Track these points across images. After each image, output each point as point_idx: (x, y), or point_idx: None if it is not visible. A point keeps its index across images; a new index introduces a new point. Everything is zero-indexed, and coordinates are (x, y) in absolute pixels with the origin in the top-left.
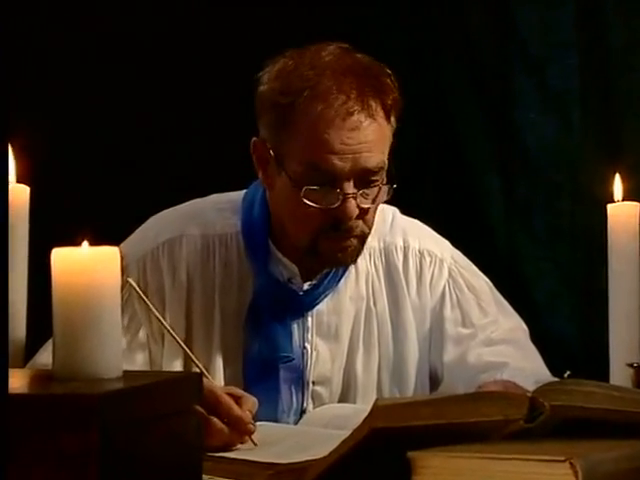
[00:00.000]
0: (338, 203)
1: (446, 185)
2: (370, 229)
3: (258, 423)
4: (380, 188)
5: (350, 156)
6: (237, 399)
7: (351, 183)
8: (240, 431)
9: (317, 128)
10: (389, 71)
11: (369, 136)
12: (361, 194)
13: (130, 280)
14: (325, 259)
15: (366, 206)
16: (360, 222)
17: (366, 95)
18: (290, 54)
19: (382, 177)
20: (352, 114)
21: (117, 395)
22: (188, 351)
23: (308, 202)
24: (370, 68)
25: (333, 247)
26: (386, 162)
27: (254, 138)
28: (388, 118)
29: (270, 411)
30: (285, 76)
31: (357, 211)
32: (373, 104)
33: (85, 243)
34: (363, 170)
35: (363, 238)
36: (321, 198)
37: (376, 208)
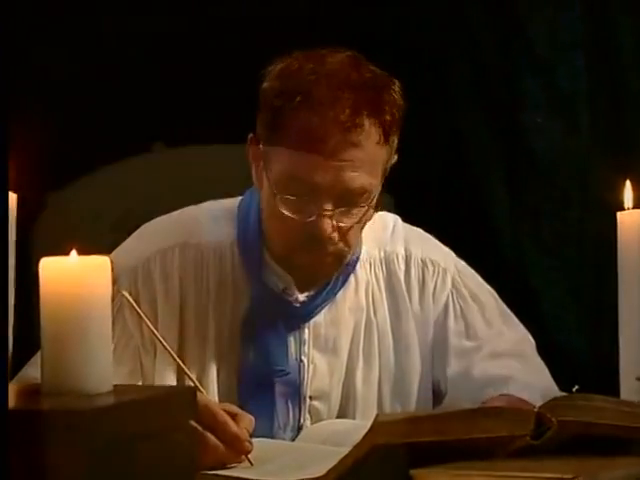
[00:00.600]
0: (313, 218)
1: (450, 191)
2: (350, 248)
3: (254, 440)
4: (367, 209)
5: (332, 173)
6: (233, 416)
7: (330, 201)
8: (236, 449)
9: (303, 138)
10: (396, 86)
11: (357, 156)
12: (341, 213)
13: (124, 292)
14: (301, 272)
15: (344, 225)
16: (337, 240)
17: (360, 114)
18: (296, 55)
19: (370, 199)
20: (342, 131)
21: (107, 411)
22: (182, 364)
23: (284, 210)
24: (373, 83)
25: (306, 261)
26: (375, 185)
27: (251, 134)
28: (385, 138)
29: (266, 427)
30: (285, 77)
31: (331, 230)
32: (367, 124)
33: (74, 252)
34: (344, 190)
35: (341, 258)
36: (298, 209)
37: (361, 228)
